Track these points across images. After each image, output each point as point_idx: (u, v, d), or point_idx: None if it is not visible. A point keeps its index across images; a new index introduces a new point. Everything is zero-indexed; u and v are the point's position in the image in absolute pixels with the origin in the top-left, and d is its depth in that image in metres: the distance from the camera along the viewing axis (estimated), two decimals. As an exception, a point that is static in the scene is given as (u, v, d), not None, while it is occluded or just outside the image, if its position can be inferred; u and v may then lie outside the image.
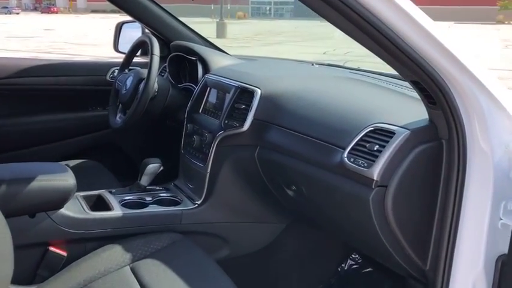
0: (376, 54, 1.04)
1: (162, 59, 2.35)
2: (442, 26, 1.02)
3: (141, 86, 1.86)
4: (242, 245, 1.73)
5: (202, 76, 1.91)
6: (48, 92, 2.25)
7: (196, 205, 1.66)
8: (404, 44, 0.97)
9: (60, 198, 1.42)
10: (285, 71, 1.86)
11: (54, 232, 1.44)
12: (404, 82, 1.56)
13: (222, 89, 1.73)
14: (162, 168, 1.71)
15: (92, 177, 1.98)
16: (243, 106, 1.58)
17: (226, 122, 1.60)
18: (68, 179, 1.42)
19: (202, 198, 1.66)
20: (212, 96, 1.79)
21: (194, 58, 2.02)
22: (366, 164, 1.14)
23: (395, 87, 1.51)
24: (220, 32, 19.31)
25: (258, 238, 1.75)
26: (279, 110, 1.48)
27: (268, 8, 40.79)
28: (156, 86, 1.87)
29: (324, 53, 14.37)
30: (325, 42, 18.30)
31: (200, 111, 1.81)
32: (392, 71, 1.81)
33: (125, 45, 2.48)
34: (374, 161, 1.13)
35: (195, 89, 2.01)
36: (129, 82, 1.93)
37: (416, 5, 0.99)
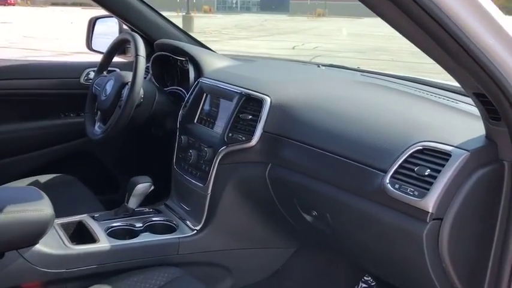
0: (435, 59, 0.85)
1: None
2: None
3: (125, 91, 1.62)
4: (247, 273, 1.51)
5: (195, 80, 1.68)
6: (11, 97, 1.97)
7: (195, 231, 1.44)
8: (477, 48, 0.78)
9: (35, 233, 1.17)
10: (293, 75, 1.64)
11: (28, 273, 1.20)
12: (435, 89, 1.38)
13: (222, 95, 1.50)
14: (152, 187, 1.48)
15: (68, 195, 1.73)
16: (250, 117, 1.36)
17: (230, 135, 1.38)
18: (43, 208, 1.18)
19: (202, 223, 1.44)
20: (209, 104, 1.56)
21: (183, 58, 1.79)
22: (416, 193, 0.95)
23: (428, 95, 1.32)
24: (187, 26, 18.84)
25: (264, 265, 1.54)
26: (294, 121, 1.27)
27: (234, 2, 40.36)
28: (141, 91, 1.64)
29: (293, 48, 14.25)
30: (292, 36, 18.21)
31: (195, 120, 1.58)
32: (419, 76, 1.65)
33: (100, 43, 2.23)
34: (428, 190, 0.93)
35: (183, 93, 1.79)
36: (109, 87, 1.68)
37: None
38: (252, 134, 1.33)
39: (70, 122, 2.06)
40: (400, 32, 0.82)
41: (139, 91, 1.58)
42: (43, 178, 1.82)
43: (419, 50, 0.85)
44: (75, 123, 2.05)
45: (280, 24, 25.16)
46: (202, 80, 1.61)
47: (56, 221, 1.39)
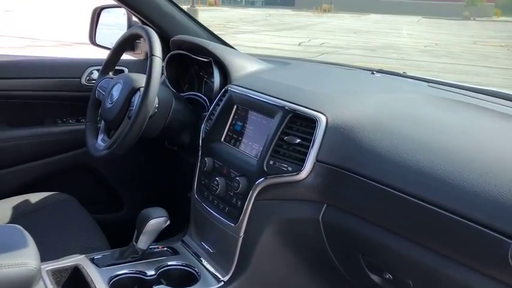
0: None
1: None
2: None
3: (136, 99, 1.31)
4: None
5: (221, 87, 1.38)
6: None
7: (222, 283, 1.13)
8: None
9: None
10: (347, 84, 1.33)
11: None
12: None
13: (259, 109, 1.20)
14: (168, 222, 1.18)
15: (62, 221, 1.44)
16: (298, 140, 1.05)
17: (270, 162, 1.08)
18: (27, 262, 0.88)
19: (231, 272, 1.14)
20: (241, 119, 1.26)
21: (205, 59, 1.49)
22: None
23: None
24: (192, 19, 18.46)
25: None
26: (362, 150, 0.96)
27: (239, -5, 39.95)
28: (155, 99, 1.33)
29: (299, 44, 13.95)
30: (297, 32, 17.88)
31: (222, 139, 1.28)
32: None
33: (105, 37, 1.93)
34: None
35: (204, 101, 1.49)
36: (116, 92, 1.38)
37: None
38: (301, 163, 1.02)
39: (68, 129, 1.75)
40: None
41: (154, 99, 1.28)
42: (34, 197, 1.52)
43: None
44: (74, 131, 1.75)
45: (285, 19, 24.80)
46: (232, 88, 1.30)
47: (44, 266, 1.10)
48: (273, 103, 1.14)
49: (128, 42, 1.50)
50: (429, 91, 1.27)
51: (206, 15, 21.39)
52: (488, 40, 18.20)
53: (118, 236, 1.47)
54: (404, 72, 1.61)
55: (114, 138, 1.33)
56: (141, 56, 1.87)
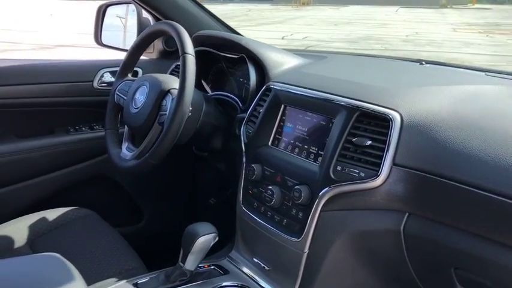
0: None
1: (172, 54, 1.68)
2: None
3: (168, 102, 1.18)
4: None
5: (258, 85, 1.26)
6: (6, 109, 1.51)
7: None
8: None
9: None
10: (406, 77, 1.21)
11: None
12: None
13: (314, 108, 1.07)
14: (217, 239, 1.05)
15: (88, 240, 1.30)
16: (369, 142, 0.93)
17: (338, 168, 0.95)
18: None
19: None
20: (292, 120, 1.13)
21: (235, 56, 1.37)
22: None
23: None
24: (171, 17, 18.18)
25: None
26: (448, 150, 0.85)
27: (217, -9, 39.58)
28: None
29: (282, 38, 13.85)
30: (279, 26, 17.77)
31: (270, 143, 1.15)
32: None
33: (112, 36, 1.80)
34: None
35: (235, 102, 1.36)
36: (141, 95, 1.24)
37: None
38: (376, 168, 0.90)
39: (81, 138, 1.61)
40: None
41: (190, 102, 1.15)
42: (52, 213, 1.38)
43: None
44: (88, 139, 1.61)
45: (265, 14, 24.65)
46: (275, 85, 1.18)
47: None
48: (333, 101, 1.02)
49: (148, 41, 1.36)
50: (490, 80, 1.16)
51: (185, 13, 21.10)
52: (467, 27, 18.35)
53: (141, 250, 1.34)
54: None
55: (143, 147, 1.19)
56: (154, 55, 1.73)
